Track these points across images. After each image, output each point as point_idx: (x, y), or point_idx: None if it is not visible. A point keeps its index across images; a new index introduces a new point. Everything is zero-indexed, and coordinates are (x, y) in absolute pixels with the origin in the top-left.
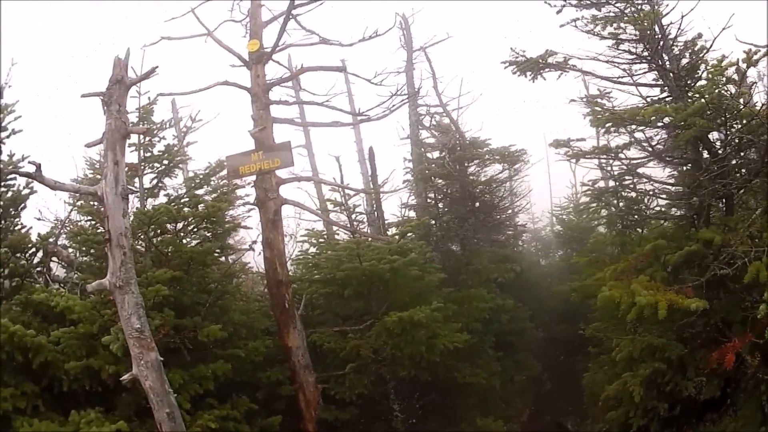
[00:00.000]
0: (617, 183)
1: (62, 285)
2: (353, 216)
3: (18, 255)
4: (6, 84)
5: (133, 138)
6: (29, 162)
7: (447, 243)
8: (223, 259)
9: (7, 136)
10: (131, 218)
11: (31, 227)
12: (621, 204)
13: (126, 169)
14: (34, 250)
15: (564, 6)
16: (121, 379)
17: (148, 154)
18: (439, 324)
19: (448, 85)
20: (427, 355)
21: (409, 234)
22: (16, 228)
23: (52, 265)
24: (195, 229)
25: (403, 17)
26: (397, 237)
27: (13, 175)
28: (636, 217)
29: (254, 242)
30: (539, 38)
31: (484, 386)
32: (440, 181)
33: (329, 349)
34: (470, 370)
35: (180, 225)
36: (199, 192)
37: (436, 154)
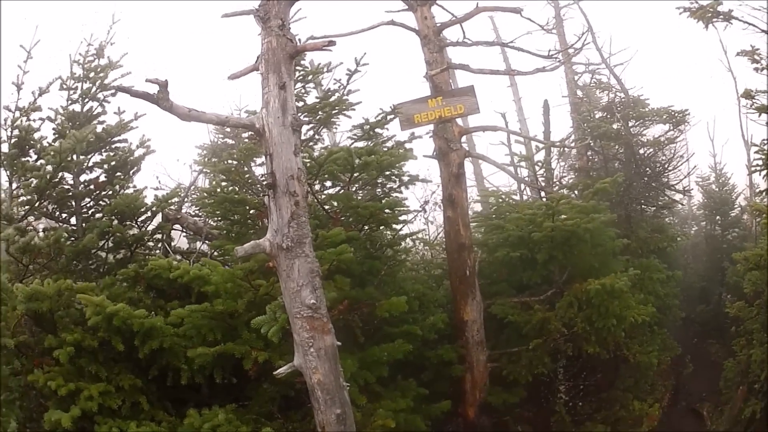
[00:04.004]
0: None
1: (186, 258)
2: (539, 172)
3: (126, 223)
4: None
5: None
6: (148, 80)
7: (614, 208)
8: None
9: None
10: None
11: (145, 187)
12: None
13: None
14: (149, 214)
15: None
16: (275, 372)
17: (301, 104)
18: (629, 295)
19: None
20: (615, 329)
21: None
22: (125, 191)
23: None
24: (368, 183)
25: None
26: (589, 195)
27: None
28: None
29: (426, 203)
30: None
31: (643, 365)
32: (603, 142)
33: (509, 322)
34: (638, 347)
35: (355, 176)
36: (360, 145)
37: (598, 114)
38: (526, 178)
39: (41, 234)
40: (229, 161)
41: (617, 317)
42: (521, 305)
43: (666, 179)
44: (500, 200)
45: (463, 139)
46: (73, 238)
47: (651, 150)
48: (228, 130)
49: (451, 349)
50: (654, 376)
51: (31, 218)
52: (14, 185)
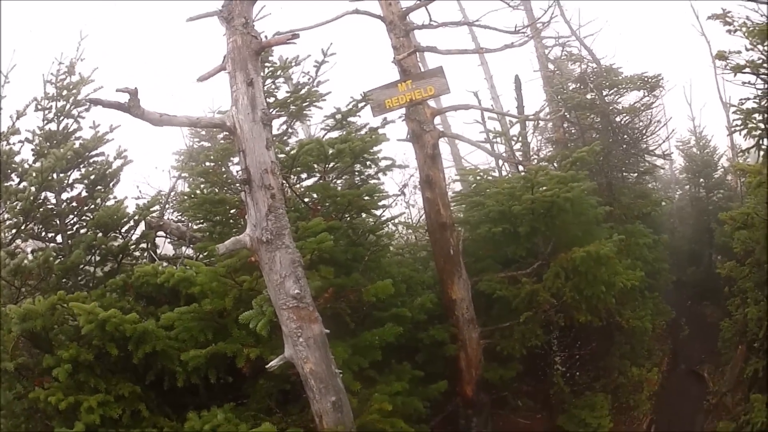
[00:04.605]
0: None
1: (173, 263)
2: (516, 147)
3: (110, 235)
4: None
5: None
6: (118, 90)
7: (594, 177)
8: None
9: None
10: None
11: (126, 197)
12: None
13: None
14: (132, 223)
15: None
16: (267, 366)
17: (272, 99)
18: (616, 261)
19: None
20: (605, 296)
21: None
22: (106, 203)
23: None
24: (344, 171)
25: None
26: (567, 165)
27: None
28: None
29: (404, 185)
30: None
31: (638, 331)
32: (578, 113)
33: (498, 298)
34: (630, 313)
35: (329, 166)
36: (334, 135)
37: (571, 86)
38: (504, 154)
39: (30, 256)
40: (207, 163)
41: (606, 284)
42: (508, 280)
43: (645, 145)
44: (479, 178)
45: (437, 120)
46: (61, 256)
47: (627, 117)
48: (203, 133)
49: (443, 329)
50: (650, 341)
51: (18, 241)
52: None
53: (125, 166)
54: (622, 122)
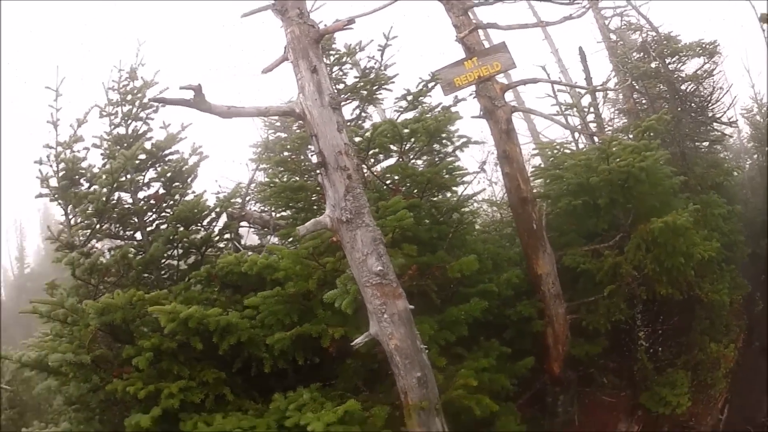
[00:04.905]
0: None
1: (257, 252)
2: (588, 118)
3: (191, 228)
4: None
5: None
6: (182, 88)
7: (667, 147)
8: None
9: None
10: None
11: (204, 191)
12: None
13: None
14: (213, 216)
15: None
16: (353, 343)
17: (341, 86)
18: (693, 231)
19: None
20: (684, 267)
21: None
22: (185, 199)
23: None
24: (421, 151)
25: None
26: (639, 134)
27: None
28: None
29: (483, 162)
30: None
31: (716, 305)
32: (645, 82)
33: (583, 272)
34: (709, 286)
35: (406, 146)
36: (408, 116)
37: (635, 55)
38: (578, 126)
39: (107, 254)
40: (284, 153)
41: (684, 255)
42: (592, 253)
43: (711, 113)
44: (556, 151)
45: (510, 96)
46: (141, 253)
47: (692, 84)
48: (278, 124)
49: (530, 305)
50: (728, 316)
51: (93, 242)
52: (71, 215)
53: (201, 161)
54: (688, 90)
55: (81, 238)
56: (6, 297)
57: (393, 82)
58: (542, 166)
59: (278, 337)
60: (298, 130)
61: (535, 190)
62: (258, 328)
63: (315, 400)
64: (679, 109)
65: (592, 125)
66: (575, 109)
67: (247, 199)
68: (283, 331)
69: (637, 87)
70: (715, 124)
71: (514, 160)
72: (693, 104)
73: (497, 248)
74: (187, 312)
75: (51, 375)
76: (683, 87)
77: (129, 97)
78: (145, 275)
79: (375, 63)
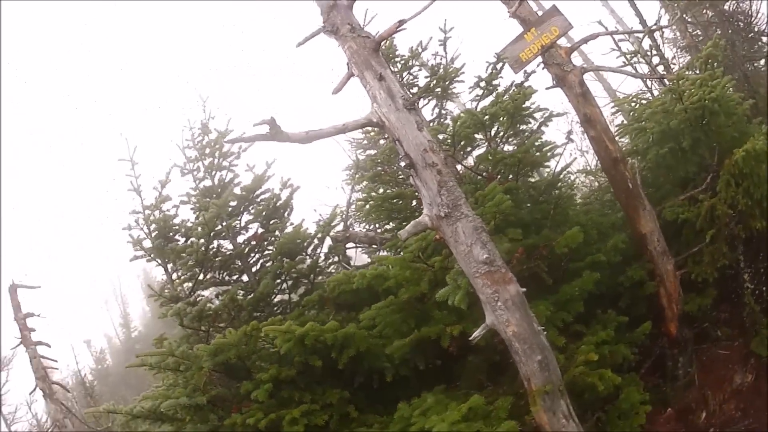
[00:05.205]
0: None
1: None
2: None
3: (296, 258)
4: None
5: None
6: (256, 125)
7: (729, 72)
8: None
9: None
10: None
11: (302, 220)
12: None
13: None
14: (316, 242)
15: None
16: (471, 337)
17: (415, 89)
18: None
19: None
20: None
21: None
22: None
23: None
24: (507, 134)
25: None
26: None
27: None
28: None
29: (570, 132)
30: None
31: None
32: (692, 11)
33: (683, 223)
34: None
35: (491, 133)
36: (485, 103)
37: None
38: (647, 73)
39: (216, 300)
40: (377, 169)
41: None
42: (689, 201)
43: (757, 28)
44: (633, 104)
45: (579, 61)
46: (251, 293)
47: (733, 2)
48: (365, 142)
49: (639, 267)
50: None
51: (198, 291)
52: (171, 271)
53: (294, 193)
54: (731, 8)
55: (185, 291)
56: (115, 363)
57: (463, 72)
58: (625, 122)
59: (397, 345)
60: (383, 141)
61: (624, 149)
62: (376, 338)
63: (440, 402)
64: (729, 31)
65: (660, 68)
66: (639, 55)
67: (349, 221)
68: (402, 338)
69: (689, 19)
70: (763, 38)
71: (597, 122)
72: (740, 23)
73: (599, 217)
74: (303, 329)
75: (165, 422)
76: (726, 6)
77: (207, 150)
78: (256, 314)
79: (441, 59)
